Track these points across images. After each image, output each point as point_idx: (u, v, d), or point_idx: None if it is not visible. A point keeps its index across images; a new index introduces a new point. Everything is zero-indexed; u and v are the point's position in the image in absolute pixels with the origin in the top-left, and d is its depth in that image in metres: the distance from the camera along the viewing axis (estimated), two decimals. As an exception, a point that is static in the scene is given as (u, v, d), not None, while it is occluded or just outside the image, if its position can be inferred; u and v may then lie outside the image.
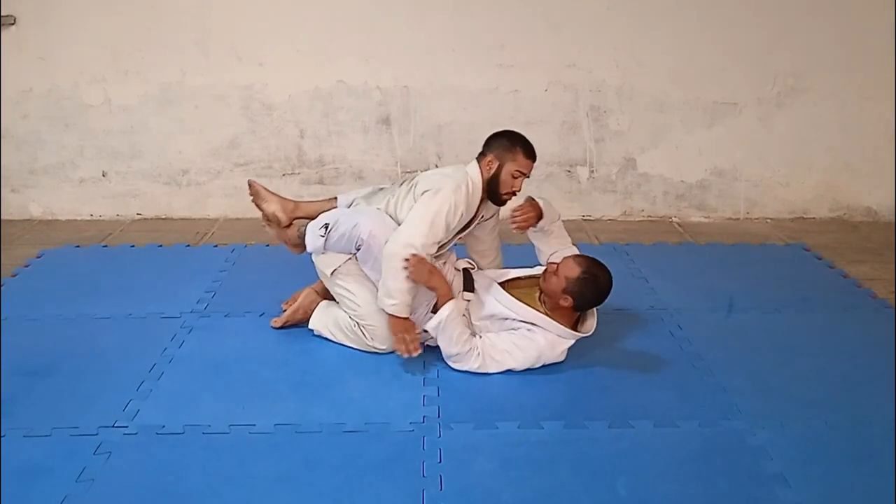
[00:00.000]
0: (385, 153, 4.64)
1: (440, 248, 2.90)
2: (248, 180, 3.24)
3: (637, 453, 2.37)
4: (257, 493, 2.18)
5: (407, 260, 2.74)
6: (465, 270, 3.04)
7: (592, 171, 4.70)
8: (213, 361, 2.91)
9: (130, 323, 3.23)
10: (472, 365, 2.80)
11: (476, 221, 3.02)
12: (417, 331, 2.92)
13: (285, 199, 3.19)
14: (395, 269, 2.76)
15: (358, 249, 2.87)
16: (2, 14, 4.30)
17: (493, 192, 2.94)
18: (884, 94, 4.54)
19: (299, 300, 3.16)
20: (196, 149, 4.61)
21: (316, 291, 3.16)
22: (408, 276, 2.76)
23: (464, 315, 2.88)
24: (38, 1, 4.34)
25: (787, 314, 3.37)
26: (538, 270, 3.01)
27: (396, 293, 2.78)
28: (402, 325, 2.83)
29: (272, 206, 3.15)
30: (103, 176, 4.64)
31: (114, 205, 4.68)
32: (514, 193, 2.96)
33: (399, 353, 2.82)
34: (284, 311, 3.19)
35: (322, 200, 3.24)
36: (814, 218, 4.78)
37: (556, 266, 2.81)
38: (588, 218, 4.76)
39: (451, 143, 4.57)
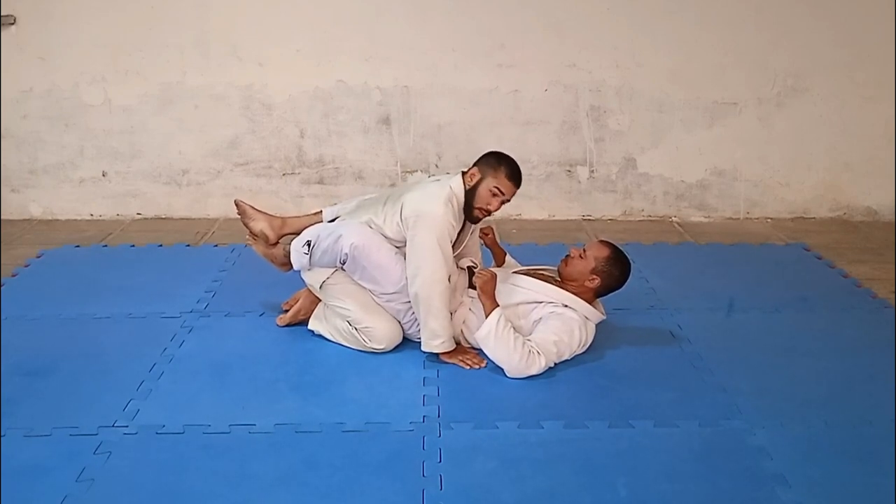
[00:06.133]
0: (385, 153, 4.64)
1: None
2: (235, 200, 3.23)
3: (637, 453, 2.37)
4: (257, 493, 2.17)
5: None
6: (469, 269, 3.05)
7: (592, 171, 4.70)
8: (213, 361, 2.90)
9: (130, 323, 3.23)
10: (539, 367, 2.73)
11: (464, 232, 3.01)
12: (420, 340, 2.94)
13: (272, 216, 3.18)
14: (434, 308, 2.78)
15: (343, 263, 2.87)
16: (2, 14, 4.30)
17: (468, 205, 2.88)
18: (884, 94, 4.54)
19: (300, 301, 3.16)
20: (196, 149, 4.61)
21: (316, 292, 3.16)
22: (479, 293, 2.80)
23: (471, 311, 2.90)
24: (38, 1, 4.34)
25: (787, 314, 3.37)
26: (536, 267, 3.06)
27: (441, 331, 2.81)
28: (454, 354, 2.86)
29: (260, 224, 3.14)
30: (103, 176, 4.64)
31: (114, 205, 4.68)
32: (489, 212, 2.91)
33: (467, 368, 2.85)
34: (285, 311, 3.20)
35: (308, 215, 3.22)
36: (814, 218, 4.78)
37: (581, 250, 2.90)
38: (588, 218, 4.76)
39: (451, 143, 4.58)
